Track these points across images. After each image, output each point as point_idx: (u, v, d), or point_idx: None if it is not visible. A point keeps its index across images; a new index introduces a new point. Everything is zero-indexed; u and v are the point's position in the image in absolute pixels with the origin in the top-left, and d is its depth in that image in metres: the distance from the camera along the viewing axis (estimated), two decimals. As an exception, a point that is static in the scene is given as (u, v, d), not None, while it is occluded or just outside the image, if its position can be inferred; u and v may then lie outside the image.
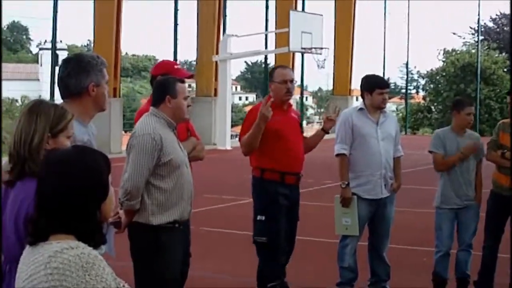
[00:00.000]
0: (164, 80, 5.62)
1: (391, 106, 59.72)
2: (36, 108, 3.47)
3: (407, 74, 47.51)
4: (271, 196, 6.89)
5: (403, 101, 50.53)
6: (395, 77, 71.80)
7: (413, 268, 8.94)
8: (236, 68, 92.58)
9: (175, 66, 6.44)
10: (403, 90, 50.67)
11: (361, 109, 7.45)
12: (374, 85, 7.46)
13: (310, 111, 79.59)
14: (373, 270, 7.54)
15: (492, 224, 7.71)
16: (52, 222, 2.65)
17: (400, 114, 48.13)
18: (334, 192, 7.78)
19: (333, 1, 38.35)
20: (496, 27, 54.55)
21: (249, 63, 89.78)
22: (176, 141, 5.46)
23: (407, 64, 46.11)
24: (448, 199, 7.66)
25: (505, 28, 54.14)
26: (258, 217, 6.92)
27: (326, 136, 7.30)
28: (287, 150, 6.93)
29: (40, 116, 3.43)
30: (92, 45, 32.92)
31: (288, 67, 7.68)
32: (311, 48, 26.03)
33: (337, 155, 7.39)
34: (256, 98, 78.03)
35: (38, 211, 2.70)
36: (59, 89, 4.43)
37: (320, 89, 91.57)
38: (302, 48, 26.05)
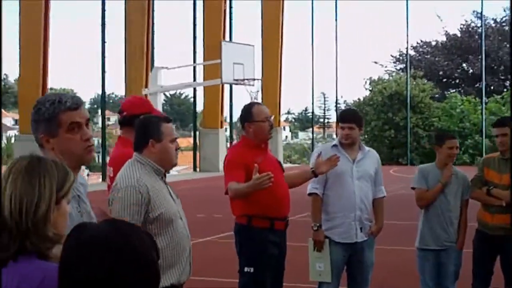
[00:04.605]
0: (146, 121, 4.87)
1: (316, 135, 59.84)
2: (37, 166, 2.65)
3: (336, 104, 47.67)
4: (260, 245, 6.26)
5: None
6: (315, 106, 72.41)
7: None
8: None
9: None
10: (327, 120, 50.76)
11: (335, 145, 6.93)
12: (339, 119, 7.02)
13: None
14: (353, 319, 7.00)
15: (480, 265, 7.26)
16: None
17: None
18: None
19: (260, 34, 38.21)
20: (418, 55, 55.21)
21: (168, 95, 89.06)
22: (167, 190, 4.75)
23: (336, 93, 46.43)
24: (427, 239, 7.21)
25: (426, 56, 54.93)
26: (246, 269, 6.29)
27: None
28: (274, 193, 6.23)
29: (44, 177, 2.63)
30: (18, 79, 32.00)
31: (261, 103, 7.12)
32: (243, 80, 25.55)
33: (309, 194, 6.86)
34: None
35: None
36: None
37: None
38: (234, 80, 25.57)
